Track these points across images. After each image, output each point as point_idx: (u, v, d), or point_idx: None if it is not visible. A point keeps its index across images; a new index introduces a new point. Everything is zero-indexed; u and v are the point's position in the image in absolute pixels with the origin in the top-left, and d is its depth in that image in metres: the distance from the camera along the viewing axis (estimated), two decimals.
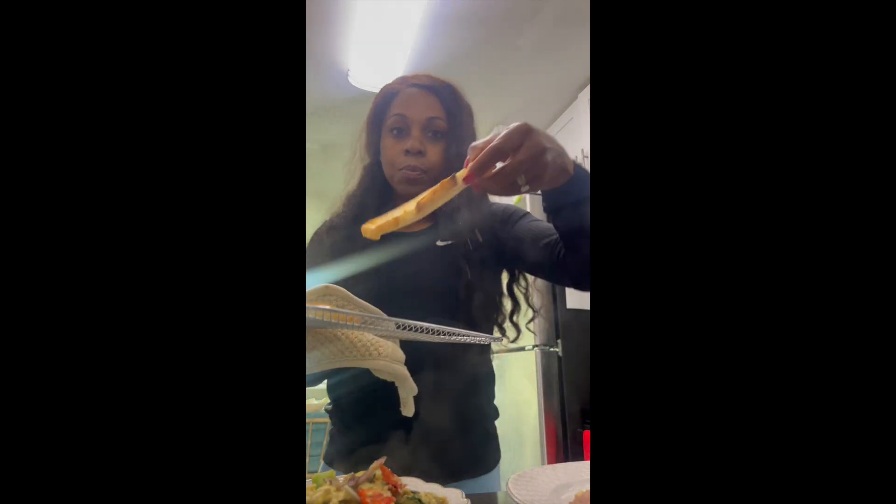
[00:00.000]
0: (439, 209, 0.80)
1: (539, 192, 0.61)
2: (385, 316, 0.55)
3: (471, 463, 0.78)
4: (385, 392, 0.60)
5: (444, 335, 0.54)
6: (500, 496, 0.71)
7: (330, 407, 0.84)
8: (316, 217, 0.90)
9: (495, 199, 0.87)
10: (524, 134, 0.52)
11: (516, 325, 0.85)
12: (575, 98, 2.52)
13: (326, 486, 0.50)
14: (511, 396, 2.11)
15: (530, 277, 0.86)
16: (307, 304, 0.48)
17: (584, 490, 0.52)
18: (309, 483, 0.52)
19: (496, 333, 0.83)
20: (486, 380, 0.84)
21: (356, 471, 0.55)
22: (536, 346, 1.92)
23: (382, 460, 0.55)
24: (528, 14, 1.98)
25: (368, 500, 0.48)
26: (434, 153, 0.80)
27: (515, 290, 0.85)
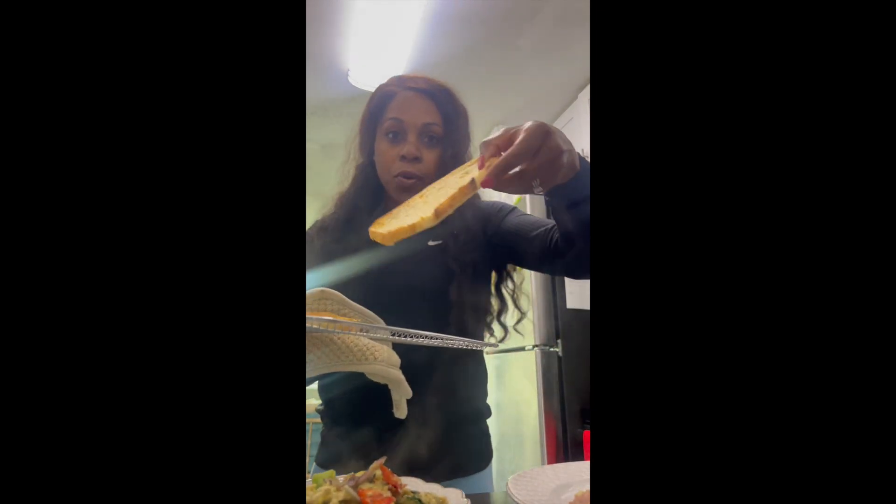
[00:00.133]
0: None
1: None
2: (383, 324, 0.55)
3: (464, 461, 0.78)
4: (377, 392, 0.60)
5: (438, 341, 0.54)
6: (500, 496, 0.71)
7: (321, 408, 0.84)
8: (316, 217, 0.90)
9: (483, 195, 0.86)
10: (543, 136, 0.52)
11: (504, 326, 0.85)
12: (575, 98, 2.52)
13: (326, 486, 0.50)
14: (511, 396, 2.10)
15: (518, 279, 0.86)
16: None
17: (584, 490, 0.52)
18: (309, 483, 0.52)
19: (486, 333, 0.84)
20: (478, 378, 0.84)
21: (349, 472, 0.55)
22: (536, 346, 1.91)
23: (382, 460, 0.55)
24: (528, 14, 1.98)
25: (368, 500, 0.48)
26: (430, 158, 0.80)
27: (503, 290, 0.85)
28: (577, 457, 1.82)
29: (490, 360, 2.45)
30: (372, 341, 0.56)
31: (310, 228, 0.89)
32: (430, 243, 0.80)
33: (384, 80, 0.86)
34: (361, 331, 0.53)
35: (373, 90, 0.86)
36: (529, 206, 1.94)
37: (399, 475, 0.57)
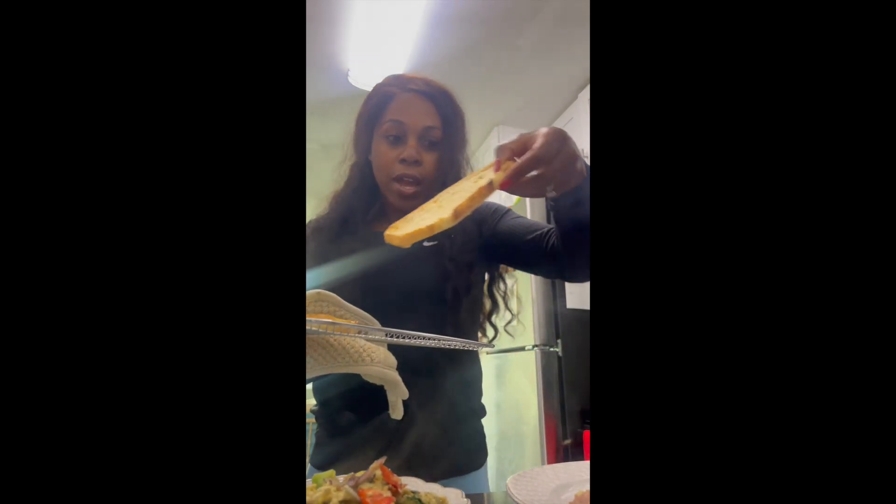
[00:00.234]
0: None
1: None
2: (378, 325, 0.55)
3: (459, 461, 0.78)
4: (372, 392, 0.60)
5: (434, 342, 0.54)
6: (500, 496, 0.71)
7: (316, 408, 0.84)
8: (311, 217, 0.90)
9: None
10: (561, 142, 0.54)
11: (494, 326, 0.86)
12: (575, 98, 2.52)
13: (326, 486, 0.50)
14: (511, 396, 2.10)
15: (510, 281, 0.87)
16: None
17: (584, 490, 0.52)
18: (309, 483, 0.52)
19: (480, 334, 0.85)
20: (473, 378, 0.85)
21: (344, 471, 0.55)
22: (536, 345, 1.92)
23: (382, 460, 0.55)
24: (528, 14, 1.98)
25: (368, 500, 0.48)
26: (429, 162, 0.80)
27: (495, 292, 0.86)
28: (577, 457, 1.82)
29: (490, 360, 2.44)
30: (368, 343, 0.56)
31: None
32: (426, 244, 0.80)
33: (382, 79, 0.85)
34: (358, 332, 0.53)
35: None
36: (529, 209, 1.94)
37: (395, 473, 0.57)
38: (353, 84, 2.36)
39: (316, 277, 0.76)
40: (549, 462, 1.81)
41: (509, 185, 0.54)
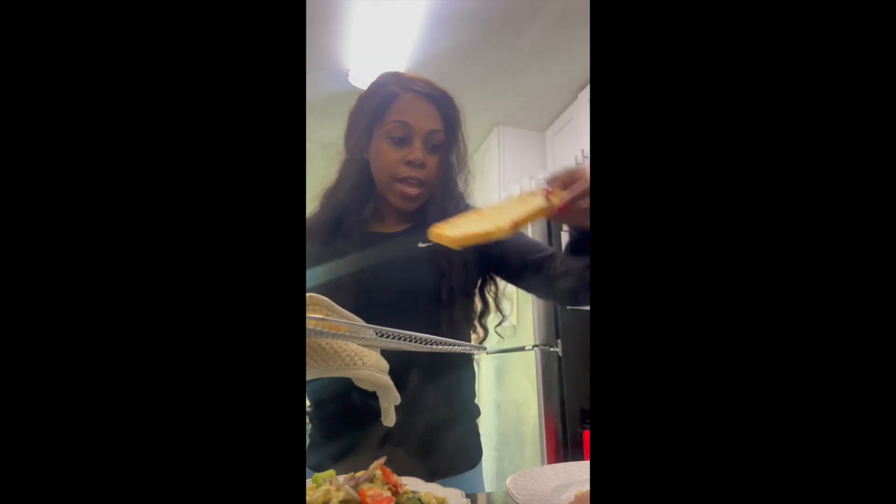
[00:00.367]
0: (417, 210, 0.81)
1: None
2: (372, 332, 0.55)
3: (454, 461, 0.79)
4: (365, 393, 0.60)
5: (426, 343, 0.54)
6: (500, 496, 0.71)
7: (310, 409, 0.84)
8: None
9: (474, 204, 0.88)
10: None
11: (485, 327, 0.86)
12: (575, 98, 2.52)
13: (326, 486, 0.50)
14: (511, 396, 2.10)
15: (501, 283, 0.88)
16: None
17: (584, 490, 0.52)
18: (309, 483, 0.52)
19: (474, 334, 0.85)
20: (467, 379, 0.85)
21: (340, 472, 0.55)
22: (536, 345, 1.92)
23: (382, 460, 0.55)
24: (528, 14, 1.98)
25: (368, 500, 0.48)
26: (432, 164, 0.81)
27: (486, 293, 0.86)
28: (577, 457, 1.82)
29: (490, 360, 2.45)
30: (360, 347, 0.56)
31: None
32: (421, 244, 0.80)
33: (380, 77, 0.85)
34: (350, 333, 0.53)
35: None
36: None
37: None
38: (353, 84, 2.36)
39: (310, 278, 0.76)
40: (549, 462, 1.81)
41: (566, 211, 0.59)
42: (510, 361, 2.12)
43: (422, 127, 0.80)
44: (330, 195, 0.86)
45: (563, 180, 0.60)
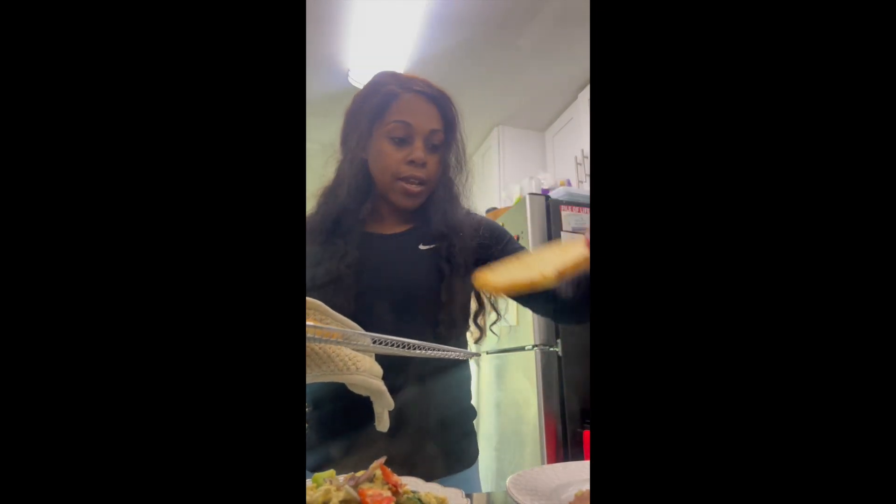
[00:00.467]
0: (415, 211, 0.82)
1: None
2: (363, 331, 0.55)
3: (449, 461, 0.79)
4: (361, 396, 0.60)
5: (421, 350, 0.54)
6: (500, 496, 0.71)
7: (308, 410, 0.84)
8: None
9: (474, 209, 0.89)
10: None
11: (480, 327, 0.87)
12: (575, 98, 2.52)
13: (326, 486, 0.50)
14: (511, 396, 2.10)
15: None
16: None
17: (584, 490, 0.52)
18: (309, 483, 0.52)
19: (470, 335, 0.86)
20: (462, 381, 0.85)
21: (337, 472, 0.55)
22: (536, 345, 1.92)
23: (382, 460, 0.55)
24: (528, 14, 1.98)
25: (368, 499, 0.48)
26: (432, 163, 0.81)
27: (482, 293, 0.86)
28: (577, 457, 1.82)
29: (490, 360, 2.44)
30: (354, 352, 0.56)
31: None
32: (422, 247, 0.81)
33: (377, 76, 0.85)
34: (345, 338, 0.53)
35: None
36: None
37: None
38: (353, 84, 2.36)
39: (307, 278, 0.75)
40: (549, 462, 1.81)
41: None
42: (510, 361, 2.12)
43: (422, 126, 0.80)
44: (327, 195, 0.85)
45: None
